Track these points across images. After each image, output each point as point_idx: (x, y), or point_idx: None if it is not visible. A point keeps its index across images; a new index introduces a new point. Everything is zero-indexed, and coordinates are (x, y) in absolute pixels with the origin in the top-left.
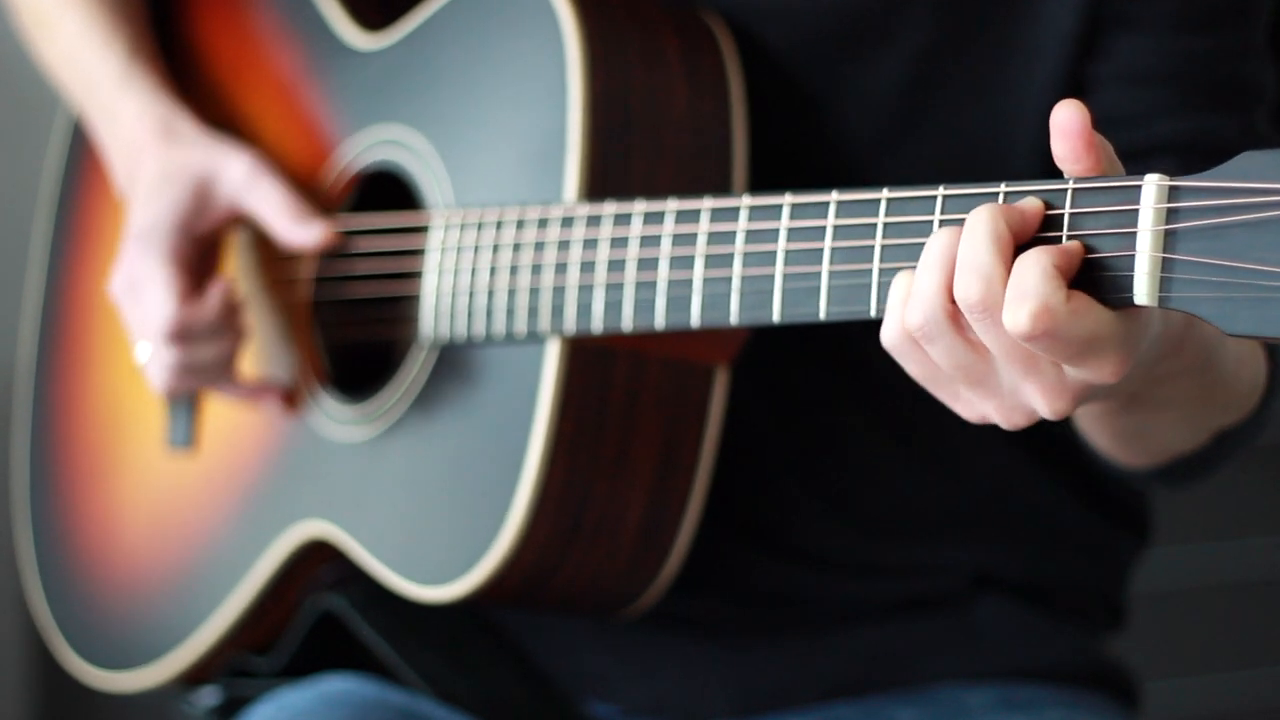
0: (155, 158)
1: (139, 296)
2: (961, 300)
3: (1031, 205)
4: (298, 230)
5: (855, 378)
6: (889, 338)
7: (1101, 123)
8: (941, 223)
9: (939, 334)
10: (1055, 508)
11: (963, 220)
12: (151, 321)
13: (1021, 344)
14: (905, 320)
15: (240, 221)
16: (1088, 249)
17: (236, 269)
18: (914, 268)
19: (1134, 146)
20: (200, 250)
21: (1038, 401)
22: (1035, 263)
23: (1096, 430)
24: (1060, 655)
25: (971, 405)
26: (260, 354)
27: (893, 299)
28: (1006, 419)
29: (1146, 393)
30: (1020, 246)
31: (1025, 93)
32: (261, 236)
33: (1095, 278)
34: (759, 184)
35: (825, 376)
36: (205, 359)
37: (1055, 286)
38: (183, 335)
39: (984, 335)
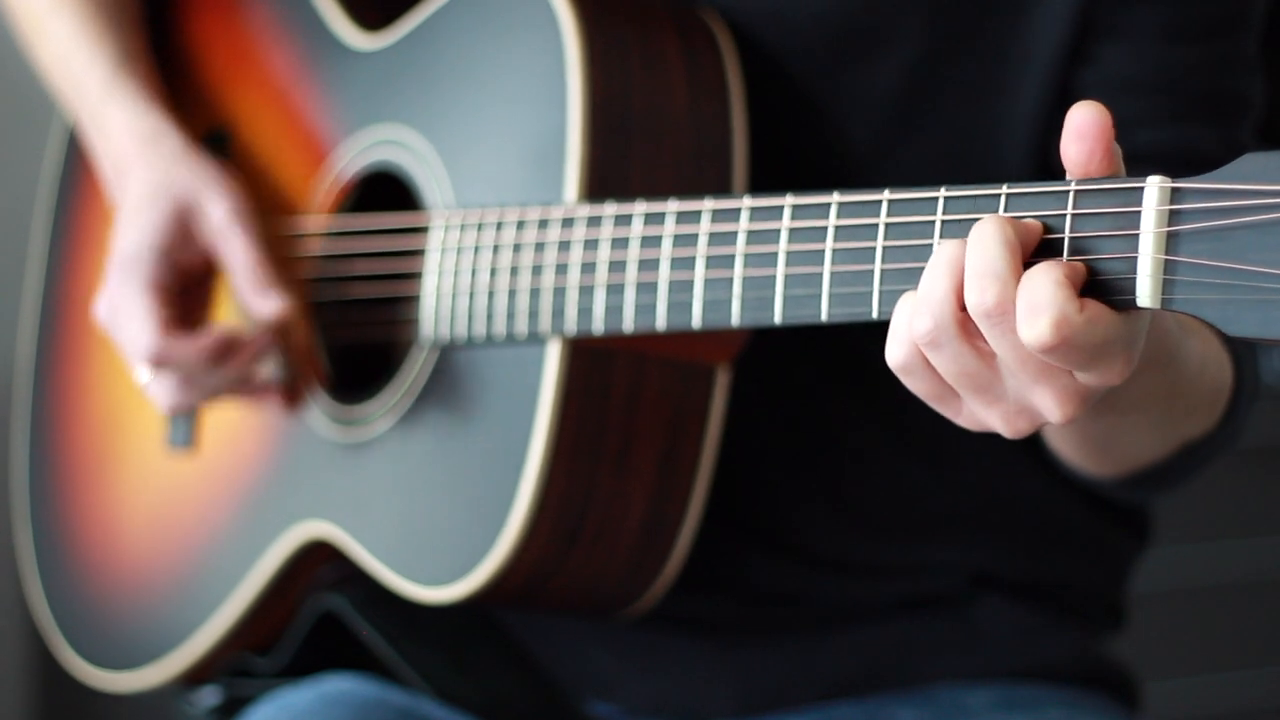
0: (140, 174)
1: (120, 323)
2: (975, 306)
3: (1033, 222)
4: (257, 301)
5: (856, 378)
6: (896, 357)
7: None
8: (944, 224)
9: (946, 340)
10: (1055, 508)
11: (963, 222)
12: (134, 349)
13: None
14: (913, 330)
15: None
16: (1090, 251)
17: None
18: (916, 288)
19: None
20: (185, 275)
21: (1048, 407)
22: (1045, 275)
23: (1064, 439)
24: (1060, 655)
25: (975, 416)
26: None
27: (898, 319)
28: (1011, 426)
29: (1114, 393)
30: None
31: (1017, 99)
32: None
33: (1099, 280)
34: (755, 187)
35: (826, 376)
36: (196, 390)
37: (1068, 296)
38: (162, 364)
39: (996, 342)
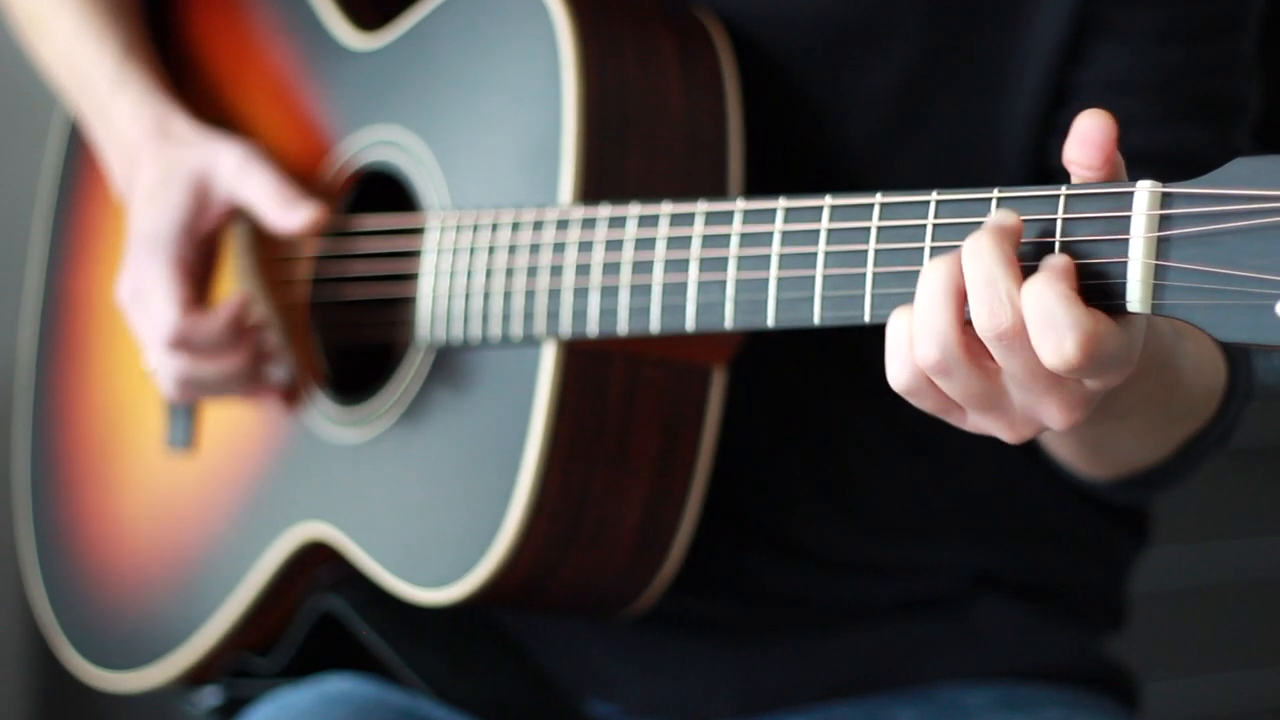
0: (152, 158)
1: (145, 304)
2: (988, 330)
3: (1010, 220)
4: (287, 215)
5: (855, 377)
6: (900, 380)
7: None
8: (935, 227)
9: (956, 367)
10: (1055, 508)
11: (955, 226)
12: (156, 330)
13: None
14: (919, 359)
15: (237, 222)
16: (1081, 256)
17: (234, 271)
18: (909, 305)
19: None
20: (204, 253)
21: (1054, 415)
22: (1052, 291)
23: (1060, 442)
24: (1060, 655)
25: (979, 425)
26: None
27: (894, 339)
28: (1015, 434)
29: (1111, 398)
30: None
31: (1015, 99)
32: (259, 238)
33: (1089, 285)
34: (752, 188)
35: (824, 376)
36: (208, 375)
37: (1084, 311)
38: (183, 345)
39: (1007, 361)
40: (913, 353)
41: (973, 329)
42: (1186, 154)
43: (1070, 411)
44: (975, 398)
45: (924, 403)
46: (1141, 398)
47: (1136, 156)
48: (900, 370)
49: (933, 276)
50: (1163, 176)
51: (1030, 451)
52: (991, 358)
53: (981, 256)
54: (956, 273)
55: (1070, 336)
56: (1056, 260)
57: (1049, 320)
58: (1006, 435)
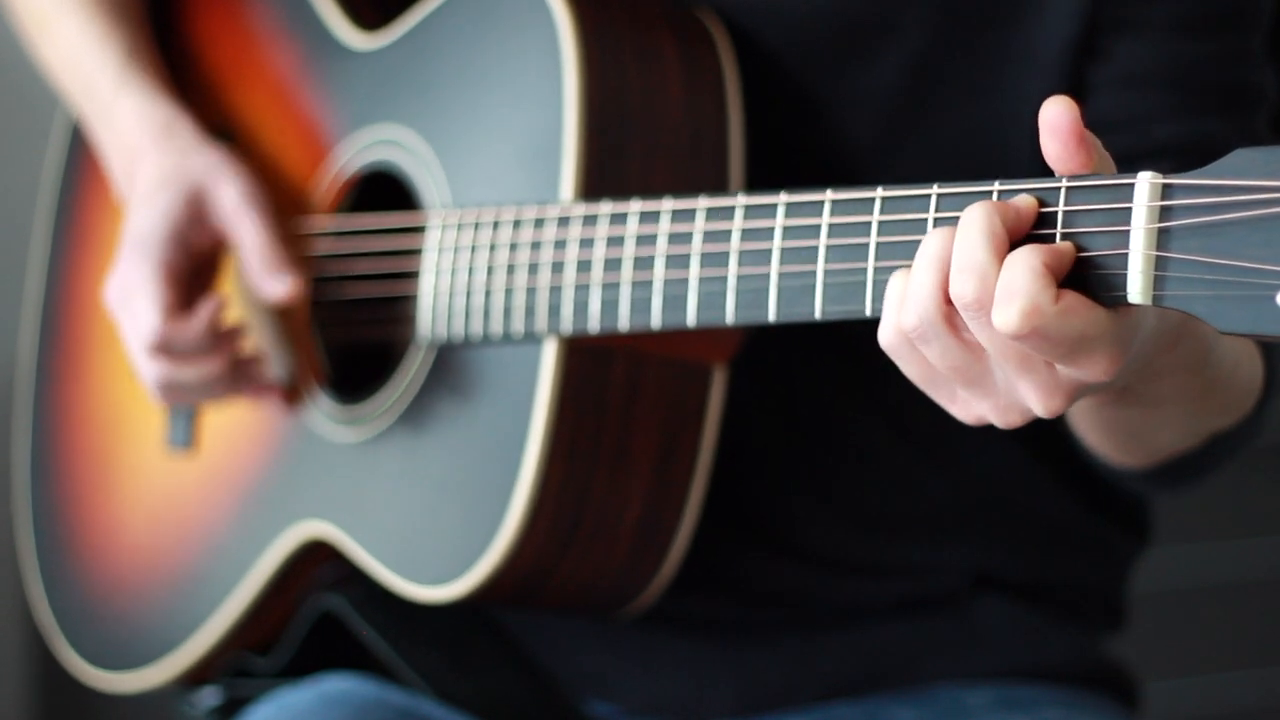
0: (153, 162)
1: (130, 307)
2: (957, 299)
3: (1026, 202)
4: (268, 281)
5: (856, 376)
6: (886, 338)
7: (1098, 126)
8: (936, 221)
9: (934, 335)
10: (1055, 508)
11: (953, 219)
12: (139, 334)
13: (1013, 343)
14: (900, 322)
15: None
16: (1081, 248)
17: (235, 270)
18: (909, 267)
19: (1131, 150)
20: (196, 260)
21: (1032, 400)
22: (1023, 262)
23: (1088, 425)
24: (1060, 655)
25: (968, 406)
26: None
27: (888, 300)
28: (1002, 419)
29: (1140, 388)
30: (1015, 244)
31: (1022, 97)
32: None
33: (1089, 276)
34: (754, 185)
35: (825, 375)
36: (188, 379)
37: (1043, 285)
38: (164, 350)
39: (979, 334)
40: (899, 317)
41: None
42: (1206, 145)
43: (1048, 398)
44: (957, 369)
45: (907, 367)
46: (1177, 391)
47: (1158, 150)
48: (886, 328)
49: (927, 243)
50: (1183, 169)
51: (1031, 451)
52: (971, 332)
53: (969, 226)
54: (949, 242)
55: (1016, 304)
56: (1058, 244)
57: (1010, 288)
58: (996, 419)
